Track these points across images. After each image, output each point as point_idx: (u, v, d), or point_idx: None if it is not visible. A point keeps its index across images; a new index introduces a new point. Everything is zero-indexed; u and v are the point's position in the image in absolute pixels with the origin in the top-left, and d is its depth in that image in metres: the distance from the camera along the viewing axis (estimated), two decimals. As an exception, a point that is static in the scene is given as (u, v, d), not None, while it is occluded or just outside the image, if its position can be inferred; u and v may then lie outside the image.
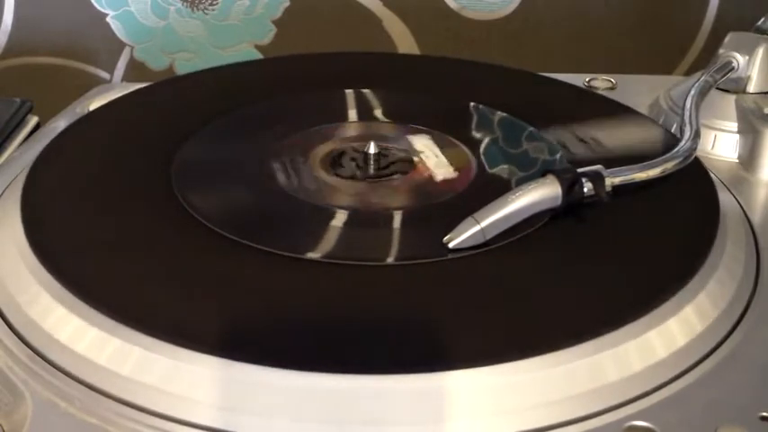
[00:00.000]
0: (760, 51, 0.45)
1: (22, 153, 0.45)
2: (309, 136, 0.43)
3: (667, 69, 0.70)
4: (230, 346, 0.29)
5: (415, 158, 0.41)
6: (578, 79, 0.52)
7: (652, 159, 0.38)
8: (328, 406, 0.28)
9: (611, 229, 0.36)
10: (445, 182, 0.40)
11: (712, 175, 0.40)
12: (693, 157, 0.39)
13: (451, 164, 0.41)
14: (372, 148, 0.41)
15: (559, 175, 0.35)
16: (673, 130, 0.44)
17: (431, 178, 0.40)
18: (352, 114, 0.46)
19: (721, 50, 0.46)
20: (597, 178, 0.36)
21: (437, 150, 0.42)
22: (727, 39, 0.46)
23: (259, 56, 0.71)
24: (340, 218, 0.37)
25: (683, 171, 0.38)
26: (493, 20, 0.69)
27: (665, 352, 0.30)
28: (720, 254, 0.34)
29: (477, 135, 0.44)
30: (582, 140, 0.43)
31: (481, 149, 0.42)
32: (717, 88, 0.45)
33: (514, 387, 0.28)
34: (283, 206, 0.37)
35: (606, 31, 0.69)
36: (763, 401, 0.29)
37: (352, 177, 0.40)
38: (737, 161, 0.44)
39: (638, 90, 0.51)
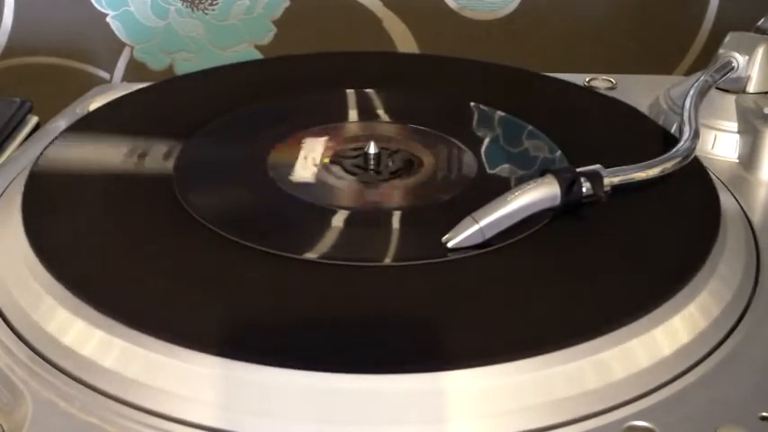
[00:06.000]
0: (760, 51, 0.45)
1: (22, 153, 0.45)
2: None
3: (667, 69, 0.70)
4: (230, 346, 0.29)
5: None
6: (578, 79, 0.52)
7: (651, 159, 0.38)
8: (327, 406, 0.28)
9: (611, 230, 0.36)
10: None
11: (712, 175, 0.40)
12: (692, 156, 0.39)
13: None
14: (372, 148, 0.41)
15: (558, 175, 0.35)
16: (672, 131, 0.44)
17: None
18: (353, 114, 0.46)
19: (721, 50, 0.46)
20: (596, 178, 0.36)
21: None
22: (727, 39, 0.46)
23: (259, 56, 0.71)
24: (339, 218, 0.37)
25: (683, 171, 0.38)
26: (493, 20, 0.69)
27: (664, 352, 0.30)
28: (720, 254, 0.34)
29: (477, 134, 0.44)
30: (581, 140, 0.42)
31: (481, 149, 0.42)
32: (717, 88, 0.45)
33: (513, 387, 0.28)
34: (283, 206, 0.37)
35: (606, 31, 0.69)
36: (763, 401, 0.29)
37: (352, 177, 0.40)
38: (737, 161, 0.44)
39: (638, 90, 0.51)
